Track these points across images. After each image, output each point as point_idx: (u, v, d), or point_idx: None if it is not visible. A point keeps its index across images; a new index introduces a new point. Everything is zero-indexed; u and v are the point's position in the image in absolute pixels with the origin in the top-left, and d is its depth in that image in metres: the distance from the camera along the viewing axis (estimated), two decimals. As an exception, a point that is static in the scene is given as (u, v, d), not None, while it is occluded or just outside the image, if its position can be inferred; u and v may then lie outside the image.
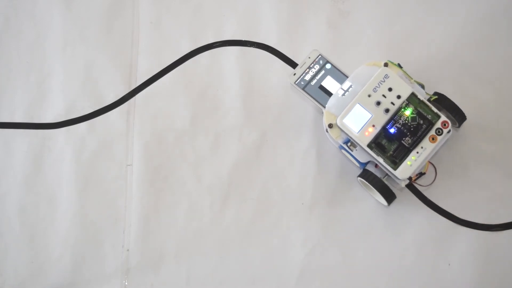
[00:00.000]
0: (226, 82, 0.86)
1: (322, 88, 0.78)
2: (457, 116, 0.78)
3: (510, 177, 0.81)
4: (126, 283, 0.82)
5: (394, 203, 0.80)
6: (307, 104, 0.84)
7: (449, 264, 0.79)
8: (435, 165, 0.80)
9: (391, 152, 0.74)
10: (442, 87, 0.83)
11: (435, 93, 0.78)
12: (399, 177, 0.73)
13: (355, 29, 0.86)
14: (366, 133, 0.74)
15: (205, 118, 0.85)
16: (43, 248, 0.84)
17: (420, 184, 0.80)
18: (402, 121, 0.74)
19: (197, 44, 0.86)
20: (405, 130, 0.74)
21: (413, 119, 0.74)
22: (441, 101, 0.77)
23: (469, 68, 0.84)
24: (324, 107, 0.76)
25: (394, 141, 0.74)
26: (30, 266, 0.83)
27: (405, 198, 0.81)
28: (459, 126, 0.79)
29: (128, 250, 0.83)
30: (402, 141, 0.74)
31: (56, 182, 0.85)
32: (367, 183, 0.77)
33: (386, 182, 0.76)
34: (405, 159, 0.73)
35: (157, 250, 0.82)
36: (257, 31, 0.87)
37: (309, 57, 0.79)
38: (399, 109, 0.74)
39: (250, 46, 0.84)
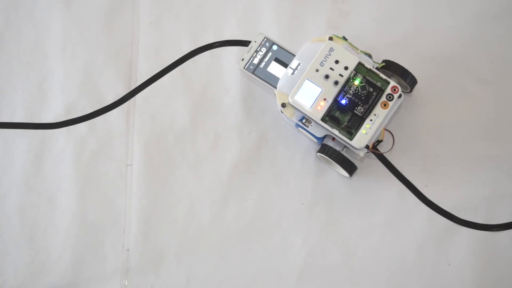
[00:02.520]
0: (226, 82, 0.86)
1: (271, 69, 0.79)
2: (408, 80, 0.78)
3: (510, 177, 0.81)
4: (126, 283, 0.82)
5: (394, 203, 0.81)
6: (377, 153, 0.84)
7: (449, 264, 0.79)
8: (393, 132, 0.80)
9: (345, 123, 0.74)
10: (442, 87, 0.83)
11: (384, 61, 0.78)
12: (356, 146, 0.74)
13: (355, 29, 0.86)
14: (319, 108, 0.74)
15: (205, 118, 0.85)
16: (43, 248, 0.84)
17: (379, 152, 0.80)
18: (353, 91, 0.74)
19: (197, 44, 0.87)
20: (356, 100, 0.74)
21: (362, 88, 0.74)
22: (390, 67, 0.78)
23: (469, 68, 0.84)
24: (276, 88, 0.77)
25: (347, 112, 0.74)
26: (30, 266, 0.83)
27: (405, 198, 0.81)
28: (411, 91, 0.80)
29: (128, 250, 0.83)
30: (355, 111, 0.74)
31: (56, 182, 0.85)
32: (326, 157, 0.77)
33: (345, 154, 0.77)
34: (359, 128, 0.74)
35: (157, 250, 0.82)
36: (257, 31, 0.87)
37: (255, 41, 0.80)
38: (348, 80, 0.74)
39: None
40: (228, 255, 0.82)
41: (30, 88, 0.88)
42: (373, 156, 0.82)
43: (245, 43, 0.86)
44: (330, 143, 0.78)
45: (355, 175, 0.81)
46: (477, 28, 0.85)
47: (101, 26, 0.89)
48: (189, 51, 0.86)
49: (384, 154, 0.81)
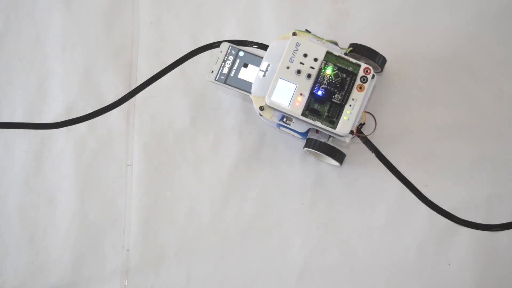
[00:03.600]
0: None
1: (242, 76, 0.79)
2: (377, 60, 0.78)
3: (510, 177, 0.81)
4: (126, 283, 0.82)
5: (394, 203, 0.81)
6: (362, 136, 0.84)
7: (449, 264, 0.79)
8: (373, 113, 0.81)
9: (326, 114, 0.75)
10: (442, 87, 0.83)
11: (351, 45, 0.79)
12: (340, 134, 0.74)
13: (355, 29, 0.86)
14: (297, 103, 0.74)
15: (205, 118, 0.85)
16: (43, 248, 0.84)
17: (364, 135, 0.80)
18: (326, 81, 0.75)
19: (197, 44, 0.87)
20: (332, 89, 0.75)
21: (336, 75, 0.75)
22: (358, 50, 0.78)
23: (469, 68, 0.84)
24: (250, 93, 0.77)
25: (325, 102, 0.75)
26: (30, 266, 0.83)
27: (405, 198, 0.81)
28: (382, 70, 0.81)
29: (128, 250, 0.83)
30: (333, 100, 0.75)
31: (56, 182, 0.85)
32: (314, 150, 0.78)
33: (331, 144, 0.77)
34: (341, 115, 0.75)
35: (157, 250, 0.82)
36: (257, 31, 0.87)
37: (221, 51, 0.80)
38: (320, 70, 0.75)
39: (250, 46, 0.84)
40: (228, 255, 0.82)
41: (30, 88, 0.88)
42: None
43: (245, 43, 0.86)
44: (314, 136, 0.79)
45: (354, 175, 0.81)
46: (477, 28, 0.85)
47: (101, 26, 0.89)
48: (189, 51, 0.86)
49: (380, 148, 0.81)
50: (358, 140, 0.82)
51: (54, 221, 0.84)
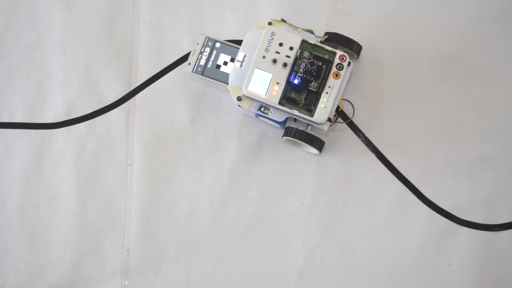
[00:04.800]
0: (226, 82, 0.86)
1: (219, 67, 0.80)
2: (352, 47, 0.79)
3: (511, 177, 0.81)
4: (126, 283, 0.82)
5: (394, 204, 0.81)
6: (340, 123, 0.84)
7: (449, 264, 0.79)
8: (350, 100, 0.81)
9: (303, 102, 0.75)
10: (442, 87, 0.83)
11: (326, 33, 0.79)
12: (318, 121, 0.75)
13: (355, 29, 0.86)
14: (274, 93, 0.75)
15: (205, 118, 0.85)
16: (43, 248, 0.84)
17: (342, 121, 0.81)
18: (302, 69, 0.75)
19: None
20: (308, 77, 0.75)
21: (311, 63, 0.75)
22: (333, 38, 0.79)
23: (469, 68, 0.84)
24: (228, 84, 0.77)
25: (302, 90, 0.75)
26: (30, 266, 0.83)
27: (405, 198, 0.81)
28: (358, 57, 0.81)
29: (128, 250, 0.83)
30: (309, 88, 0.75)
31: (56, 182, 0.85)
32: (292, 139, 0.78)
33: (310, 132, 0.77)
34: (318, 103, 0.75)
35: (157, 250, 0.82)
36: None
37: (198, 43, 0.81)
38: (296, 59, 0.75)
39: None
40: (228, 255, 0.82)
41: (30, 88, 0.88)
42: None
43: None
44: (293, 124, 0.79)
45: (354, 175, 0.81)
46: (477, 28, 0.85)
47: (101, 26, 0.89)
48: (189, 51, 0.86)
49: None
50: (339, 127, 0.82)
51: (54, 221, 0.84)
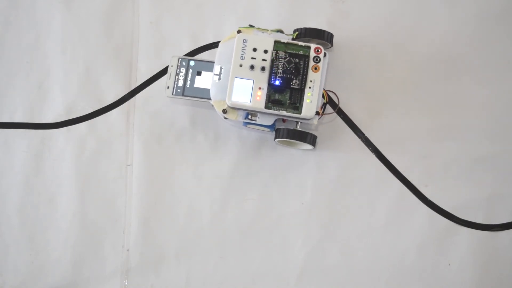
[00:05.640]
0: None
1: (198, 84, 0.80)
2: (324, 37, 0.79)
3: (511, 177, 0.81)
4: (126, 283, 0.82)
5: (394, 203, 0.81)
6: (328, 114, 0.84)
7: (449, 264, 0.79)
8: (334, 90, 0.82)
9: (288, 101, 0.75)
10: (442, 87, 0.83)
11: (296, 30, 0.80)
12: (307, 117, 0.75)
13: (355, 29, 0.86)
14: (258, 98, 0.75)
15: (205, 118, 0.85)
16: (43, 248, 0.84)
17: (329, 113, 0.82)
18: (281, 69, 0.75)
19: (197, 44, 0.87)
20: (288, 76, 0.75)
21: (289, 62, 0.75)
22: (304, 33, 0.79)
23: (469, 68, 0.84)
24: (210, 99, 0.77)
25: (285, 90, 0.76)
26: (30, 266, 0.83)
27: (405, 198, 0.81)
28: (332, 46, 0.82)
29: (128, 250, 0.83)
30: (292, 86, 0.75)
31: (56, 182, 0.85)
32: (285, 139, 0.78)
33: (300, 129, 0.78)
34: (303, 99, 0.75)
35: (157, 250, 0.82)
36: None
37: (172, 65, 0.81)
38: (273, 61, 0.75)
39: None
40: (228, 255, 0.82)
41: (30, 88, 0.88)
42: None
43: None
44: (282, 125, 0.79)
45: (354, 175, 0.81)
46: (477, 28, 0.85)
47: (101, 26, 0.89)
48: (189, 51, 0.86)
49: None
50: (327, 119, 0.83)
51: (54, 221, 0.84)
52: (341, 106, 0.83)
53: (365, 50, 0.84)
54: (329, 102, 0.82)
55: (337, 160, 0.83)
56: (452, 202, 0.81)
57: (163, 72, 0.86)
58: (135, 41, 0.88)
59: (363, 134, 0.83)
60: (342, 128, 0.83)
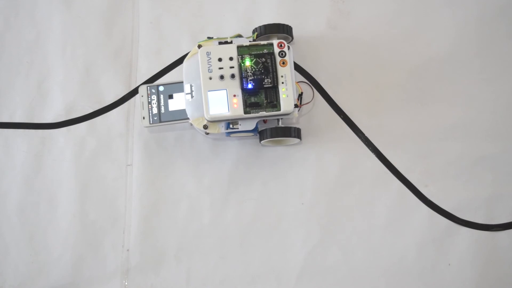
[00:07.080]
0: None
1: (173, 107, 0.80)
2: (283, 30, 0.81)
3: (511, 177, 0.81)
4: (126, 283, 0.82)
5: (394, 203, 0.81)
6: (306, 104, 0.84)
7: (449, 264, 0.79)
8: (306, 81, 0.83)
9: (265, 101, 0.76)
10: (442, 87, 0.83)
11: (254, 30, 0.81)
12: (287, 112, 0.76)
13: (355, 29, 0.86)
14: (235, 106, 0.76)
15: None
16: (43, 248, 0.84)
17: (308, 102, 0.83)
18: (250, 72, 0.76)
19: (197, 44, 0.86)
20: (259, 76, 0.76)
21: (256, 63, 0.76)
22: (263, 32, 0.80)
23: (469, 68, 0.84)
24: (189, 118, 0.78)
25: (259, 91, 0.76)
26: (30, 266, 0.83)
27: (405, 198, 0.81)
28: (293, 39, 0.83)
29: (128, 250, 0.83)
30: (265, 85, 0.76)
31: (56, 182, 0.85)
32: (271, 139, 0.79)
33: (283, 125, 0.79)
34: (279, 96, 0.76)
35: (157, 250, 0.82)
36: (257, 31, 0.87)
37: (142, 96, 0.81)
38: (240, 66, 0.76)
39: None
40: (228, 255, 0.82)
41: (30, 88, 0.88)
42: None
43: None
44: (264, 126, 0.80)
45: (354, 175, 0.81)
46: (477, 27, 0.85)
47: (101, 26, 0.89)
48: (189, 51, 0.86)
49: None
50: (305, 110, 0.84)
51: (54, 221, 0.84)
52: (341, 106, 0.83)
53: (365, 50, 0.84)
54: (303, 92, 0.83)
55: (337, 160, 0.83)
56: (452, 202, 0.81)
57: (163, 72, 0.86)
58: (135, 41, 0.88)
59: (363, 134, 0.83)
60: (342, 128, 0.83)
